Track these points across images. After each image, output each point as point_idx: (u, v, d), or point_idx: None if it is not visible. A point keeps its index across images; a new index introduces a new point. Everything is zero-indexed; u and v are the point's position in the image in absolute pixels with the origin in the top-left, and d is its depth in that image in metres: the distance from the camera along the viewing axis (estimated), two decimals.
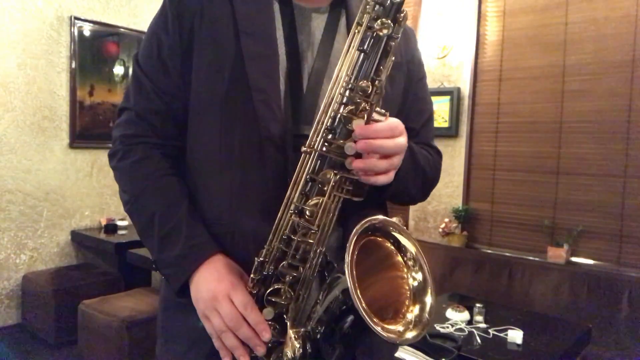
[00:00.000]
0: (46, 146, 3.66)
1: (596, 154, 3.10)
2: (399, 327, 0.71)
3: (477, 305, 2.41)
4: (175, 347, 0.89)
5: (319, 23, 0.88)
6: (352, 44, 0.73)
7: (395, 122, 0.75)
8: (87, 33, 3.83)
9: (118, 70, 4.02)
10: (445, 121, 3.64)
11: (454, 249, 3.51)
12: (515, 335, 2.18)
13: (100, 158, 3.90)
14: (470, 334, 2.25)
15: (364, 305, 0.66)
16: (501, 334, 2.23)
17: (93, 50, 3.87)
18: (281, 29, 0.85)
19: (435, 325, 2.28)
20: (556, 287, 3.02)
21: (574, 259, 3.16)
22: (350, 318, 0.70)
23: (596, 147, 3.10)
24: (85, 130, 3.83)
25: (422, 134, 0.96)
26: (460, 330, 2.27)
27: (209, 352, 0.79)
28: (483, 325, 2.32)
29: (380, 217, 0.74)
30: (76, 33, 3.74)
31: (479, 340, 2.19)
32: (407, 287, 0.74)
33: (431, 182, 0.97)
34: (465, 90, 3.60)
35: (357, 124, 0.71)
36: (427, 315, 0.72)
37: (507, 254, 3.36)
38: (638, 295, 2.77)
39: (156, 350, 0.94)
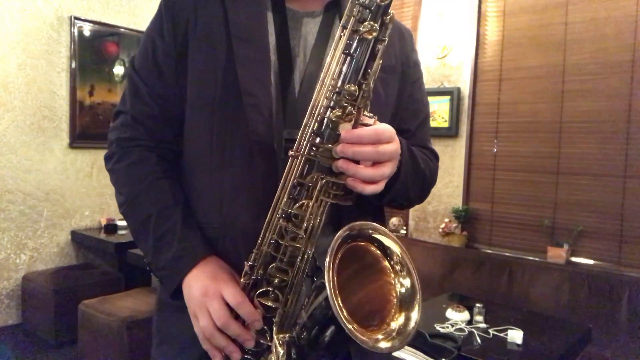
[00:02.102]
0: (46, 146, 3.66)
1: (596, 154, 3.10)
2: (379, 335, 0.70)
3: (477, 305, 2.41)
4: (170, 348, 0.89)
5: (311, 28, 0.88)
6: (337, 47, 0.73)
7: (382, 128, 0.73)
8: (87, 33, 3.83)
9: (118, 70, 4.02)
10: (445, 121, 3.64)
11: (454, 249, 3.51)
12: (515, 335, 2.18)
13: (100, 158, 3.87)
14: (470, 334, 2.25)
15: (344, 313, 0.65)
16: (501, 334, 2.23)
17: (93, 50, 3.87)
18: (273, 34, 0.86)
19: (435, 325, 2.28)
20: (556, 287, 3.02)
21: (574, 259, 3.16)
22: (332, 329, 0.70)
23: (596, 147, 3.10)
24: (85, 130, 3.83)
25: (418, 135, 0.96)
26: (460, 330, 2.27)
27: (203, 354, 0.79)
28: (483, 325, 2.32)
29: (360, 222, 0.73)
30: (76, 33, 3.74)
31: (479, 340, 2.19)
32: (394, 294, 0.74)
33: (429, 186, 0.96)
34: (465, 90, 3.60)
35: (344, 128, 0.70)
36: (411, 326, 0.71)
37: (507, 254, 3.36)
38: (638, 295, 2.77)
39: (151, 350, 0.94)
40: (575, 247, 3.17)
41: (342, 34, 0.72)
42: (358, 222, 0.73)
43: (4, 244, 3.48)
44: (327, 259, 0.66)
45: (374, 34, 0.70)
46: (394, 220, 3.81)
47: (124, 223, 3.81)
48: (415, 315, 0.72)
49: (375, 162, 0.73)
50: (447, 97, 3.63)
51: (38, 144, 3.61)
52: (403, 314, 0.72)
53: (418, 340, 2.08)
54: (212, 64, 0.83)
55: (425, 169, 0.91)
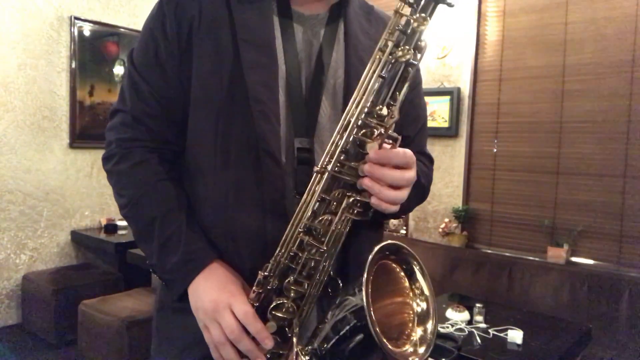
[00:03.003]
0: (46, 146, 3.66)
1: (596, 154, 3.10)
2: (409, 348, 0.72)
3: (477, 305, 2.41)
4: (170, 348, 0.88)
5: (317, 31, 0.87)
6: (371, 69, 0.74)
7: (409, 154, 0.76)
8: (87, 33, 3.83)
9: (118, 70, 4.03)
10: (445, 121, 3.64)
11: (454, 249, 3.51)
12: (515, 335, 2.18)
13: (100, 158, 3.88)
14: (470, 334, 2.25)
15: (377, 327, 0.66)
16: (501, 334, 2.23)
17: (93, 50, 3.87)
18: (280, 38, 0.84)
19: None
20: (556, 287, 3.02)
21: (574, 259, 3.16)
22: (359, 337, 0.70)
23: (596, 147, 3.10)
24: (85, 130, 3.83)
25: (417, 141, 0.97)
26: (460, 330, 2.27)
27: (203, 354, 0.79)
28: (483, 325, 2.32)
29: (401, 243, 0.76)
30: (76, 33, 3.74)
31: (479, 340, 2.19)
32: (411, 311, 0.76)
33: (427, 195, 0.98)
34: (465, 90, 3.60)
35: (371, 148, 0.73)
36: (430, 335, 0.74)
37: (507, 254, 3.36)
38: (638, 295, 2.77)
39: (151, 351, 0.94)
40: (575, 247, 3.17)
41: (377, 56, 0.74)
42: (392, 242, 0.75)
43: (4, 244, 3.48)
44: (365, 275, 0.68)
45: (408, 58, 0.71)
46: (394, 221, 3.80)
47: (124, 223, 3.81)
48: (430, 325, 0.75)
49: (392, 185, 0.75)
50: (447, 97, 3.63)
51: (38, 144, 3.61)
52: (421, 327, 0.75)
53: None
54: (217, 66, 0.82)
55: (425, 182, 0.93)
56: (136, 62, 0.87)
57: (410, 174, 0.76)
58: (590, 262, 3.11)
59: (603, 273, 2.95)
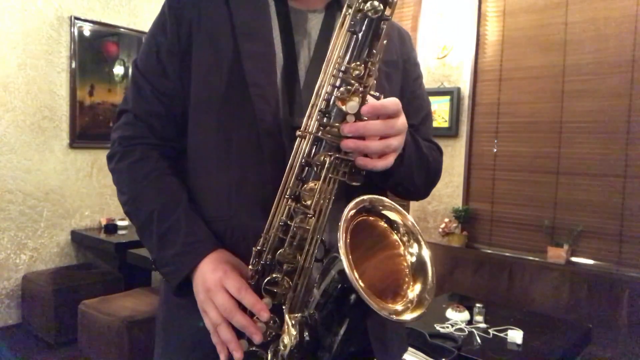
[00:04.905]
0: (46, 146, 3.66)
1: (596, 154, 3.10)
2: (398, 307, 0.69)
3: (477, 305, 2.41)
4: (176, 346, 0.88)
5: (314, 24, 0.89)
6: (343, 26, 0.73)
7: (394, 100, 0.72)
8: (87, 33, 3.83)
9: (118, 70, 4.02)
10: (445, 121, 3.64)
11: (454, 249, 3.51)
12: (515, 335, 2.18)
13: (100, 158, 3.90)
14: (470, 334, 2.25)
15: (360, 282, 0.64)
16: (501, 334, 2.23)
17: (93, 50, 3.87)
18: (277, 30, 0.87)
19: (435, 325, 2.28)
20: (556, 287, 3.02)
21: (574, 259, 3.16)
22: (348, 303, 0.68)
23: (596, 147, 3.10)
24: (85, 130, 3.82)
25: (422, 130, 0.96)
26: (460, 330, 2.27)
27: (209, 352, 0.78)
28: (483, 325, 2.32)
29: (368, 196, 0.71)
30: (76, 33, 3.74)
31: (479, 340, 2.19)
32: (405, 265, 0.73)
33: (434, 176, 0.96)
34: (465, 90, 3.60)
35: (351, 106, 0.70)
36: (427, 295, 0.70)
37: (507, 254, 3.36)
38: (638, 295, 2.77)
39: (154, 353, 0.94)
40: (575, 247, 3.17)
41: (347, 13, 0.73)
42: (367, 196, 0.71)
43: (4, 244, 3.48)
44: (340, 235, 0.65)
45: (378, 12, 0.71)
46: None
47: (124, 223, 3.81)
48: (430, 276, 0.71)
49: (382, 137, 0.72)
50: (447, 97, 3.63)
51: (38, 144, 3.61)
52: (418, 283, 0.71)
53: (418, 340, 2.08)
54: (217, 62, 0.84)
55: (429, 155, 0.91)
56: (139, 65, 0.91)
57: (399, 121, 0.72)
58: (590, 262, 3.11)
59: (603, 273, 2.95)
